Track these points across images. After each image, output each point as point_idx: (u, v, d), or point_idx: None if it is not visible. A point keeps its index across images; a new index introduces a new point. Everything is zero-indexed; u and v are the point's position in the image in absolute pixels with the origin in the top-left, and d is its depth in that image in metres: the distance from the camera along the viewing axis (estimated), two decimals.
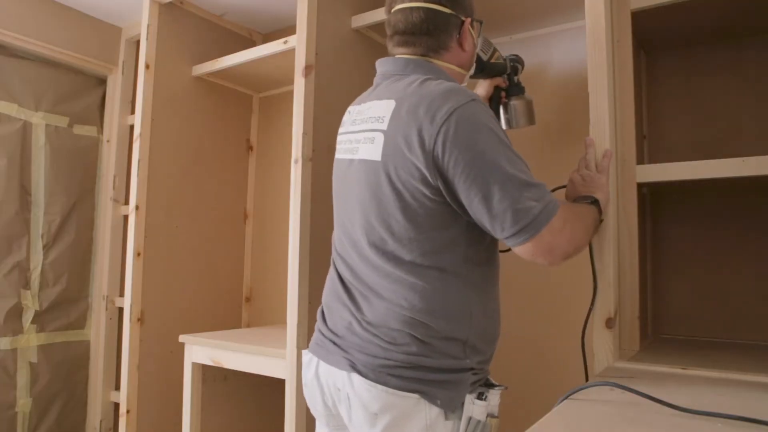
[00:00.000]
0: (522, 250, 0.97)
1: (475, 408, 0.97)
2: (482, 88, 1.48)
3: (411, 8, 1.07)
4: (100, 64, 2.42)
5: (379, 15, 1.71)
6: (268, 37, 2.44)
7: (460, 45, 1.12)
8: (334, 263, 1.16)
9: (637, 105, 1.33)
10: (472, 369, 1.01)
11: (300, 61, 1.62)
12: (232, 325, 2.33)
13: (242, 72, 2.19)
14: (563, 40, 1.72)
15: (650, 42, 1.50)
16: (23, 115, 2.21)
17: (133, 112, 2.42)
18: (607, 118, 1.20)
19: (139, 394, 1.98)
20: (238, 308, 2.38)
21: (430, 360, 0.97)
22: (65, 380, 2.31)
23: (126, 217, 2.35)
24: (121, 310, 2.39)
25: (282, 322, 2.13)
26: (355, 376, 0.99)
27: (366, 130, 1.05)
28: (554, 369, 1.63)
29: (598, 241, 1.20)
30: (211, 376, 1.83)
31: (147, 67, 2.05)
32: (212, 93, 2.29)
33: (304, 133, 1.59)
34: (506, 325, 1.72)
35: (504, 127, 1.48)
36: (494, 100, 1.48)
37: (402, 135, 0.98)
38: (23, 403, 2.16)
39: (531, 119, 1.50)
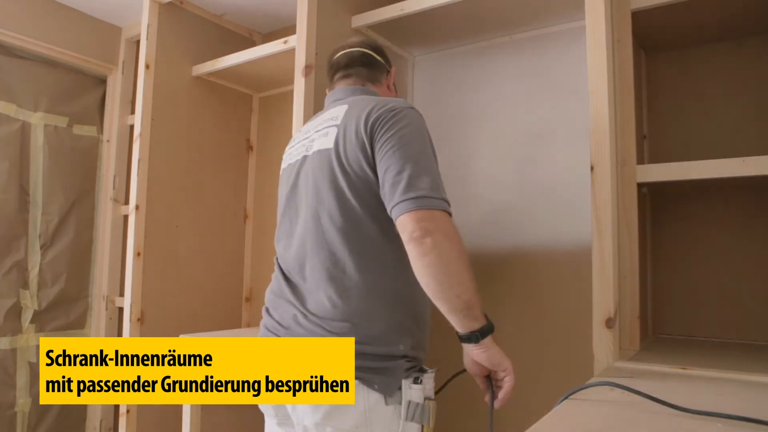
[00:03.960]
0: (405, 217, 0.98)
1: (412, 392, 1.04)
2: None
3: (352, 50, 1.31)
4: (100, 64, 2.43)
5: (379, 15, 1.71)
6: (268, 37, 2.44)
7: (388, 86, 1.34)
8: (277, 262, 1.23)
9: (637, 105, 1.33)
10: (405, 356, 1.07)
11: (300, 61, 1.62)
12: (232, 325, 2.33)
13: (242, 72, 2.19)
14: (563, 40, 1.72)
15: (650, 42, 1.50)
16: (22, 116, 2.21)
17: (133, 112, 2.42)
18: (607, 118, 1.20)
19: None
20: (238, 308, 2.38)
21: (368, 347, 1.03)
22: None
23: (126, 217, 2.35)
24: (121, 310, 2.39)
25: None
26: None
27: (321, 129, 1.17)
28: (554, 369, 1.63)
29: (598, 240, 1.20)
30: None
31: (147, 67, 2.05)
32: (212, 93, 2.29)
33: None
34: (506, 326, 1.72)
35: None
36: None
37: (353, 124, 1.10)
38: (23, 402, 2.16)
39: None
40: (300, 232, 1.15)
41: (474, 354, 1.03)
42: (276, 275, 1.23)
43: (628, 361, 1.14)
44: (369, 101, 1.14)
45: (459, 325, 1.00)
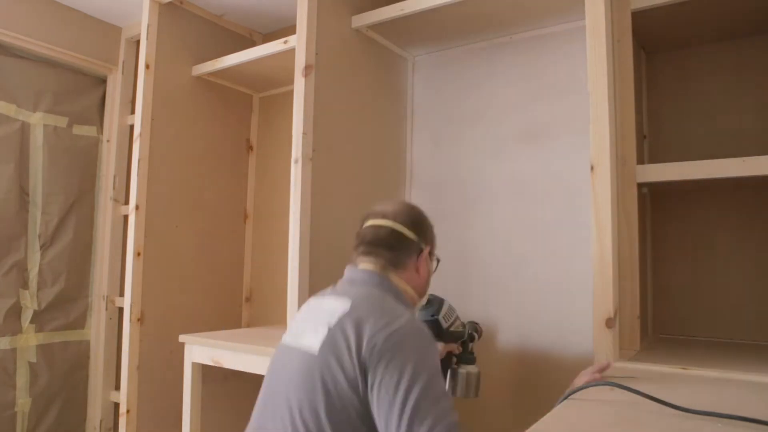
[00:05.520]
0: None
1: None
2: None
3: (380, 225, 1.20)
4: (100, 64, 2.42)
5: (379, 15, 1.71)
6: (268, 37, 2.44)
7: (417, 269, 1.21)
8: None
9: (637, 105, 1.33)
10: None
11: (300, 61, 1.62)
12: (232, 325, 2.33)
13: (242, 72, 2.19)
14: (563, 40, 1.72)
15: (650, 42, 1.50)
16: (22, 116, 2.21)
17: (133, 112, 2.42)
18: (607, 117, 1.20)
19: (139, 394, 1.98)
20: (238, 308, 2.38)
21: None
22: (65, 380, 2.31)
23: (126, 217, 2.35)
24: (121, 310, 2.39)
25: (282, 322, 2.13)
26: None
27: (318, 320, 1.08)
28: (554, 369, 1.63)
29: (598, 240, 1.20)
30: (211, 376, 1.83)
31: (147, 67, 2.05)
32: (212, 93, 2.29)
33: (304, 133, 1.59)
34: (506, 326, 1.72)
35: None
36: (444, 365, 1.39)
37: (344, 338, 1.00)
38: (22, 402, 2.16)
39: (476, 392, 1.42)
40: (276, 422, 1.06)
41: None
42: None
43: (628, 361, 1.14)
44: (372, 310, 1.04)
45: None
